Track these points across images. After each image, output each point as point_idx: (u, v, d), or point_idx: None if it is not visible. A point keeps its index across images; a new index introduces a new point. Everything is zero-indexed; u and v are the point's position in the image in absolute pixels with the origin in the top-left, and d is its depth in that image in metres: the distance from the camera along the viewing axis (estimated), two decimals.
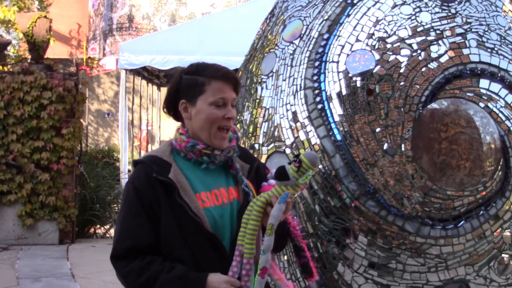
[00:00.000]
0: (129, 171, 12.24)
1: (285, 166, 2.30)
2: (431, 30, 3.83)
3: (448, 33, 3.84)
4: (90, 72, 21.57)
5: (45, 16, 10.05)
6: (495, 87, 3.81)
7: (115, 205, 11.00)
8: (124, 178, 11.37)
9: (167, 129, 21.73)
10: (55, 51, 18.33)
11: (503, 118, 3.80)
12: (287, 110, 3.91)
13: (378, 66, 3.78)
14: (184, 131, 2.46)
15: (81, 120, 10.23)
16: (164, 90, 18.40)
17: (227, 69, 2.45)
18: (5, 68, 12.16)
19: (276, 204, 2.27)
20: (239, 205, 2.44)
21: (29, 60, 10.32)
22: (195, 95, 2.40)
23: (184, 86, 2.43)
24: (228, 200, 2.44)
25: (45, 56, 10.14)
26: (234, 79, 2.42)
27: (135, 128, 15.95)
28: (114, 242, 2.38)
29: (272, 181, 2.38)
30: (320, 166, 3.74)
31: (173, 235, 2.32)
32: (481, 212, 3.72)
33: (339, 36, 3.90)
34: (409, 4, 3.88)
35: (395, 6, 3.88)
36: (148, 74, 14.73)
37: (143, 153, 15.37)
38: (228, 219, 2.41)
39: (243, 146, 3.48)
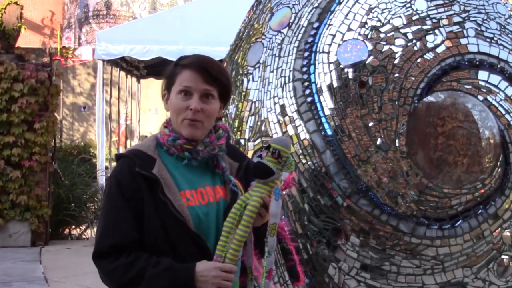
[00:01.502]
0: (106, 168, 12.21)
1: (260, 162, 2.30)
2: (427, 18, 3.85)
3: (445, 21, 3.86)
4: (65, 62, 21.47)
5: (16, 3, 9.98)
6: (495, 79, 3.83)
7: (92, 204, 10.97)
8: (101, 176, 11.34)
9: (147, 123, 21.72)
10: (27, 40, 18.24)
11: (503, 112, 3.82)
12: (274, 104, 3.91)
13: (371, 57, 3.79)
14: (169, 124, 2.47)
15: (55, 114, 10.19)
16: (144, 82, 18.39)
17: (204, 59, 2.46)
18: None
19: (272, 201, 2.28)
20: (226, 205, 2.45)
21: None
22: (170, 85, 2.46)
23: (165, 76, 2.48)
24: (215, 199, 2.45)
25: (16, 46, 10.07)
26: (205, 69, 2.40)
27: (113, 122, 15.91)
28: (97, 239, 2.40)
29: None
30: (310, 163, 3.75)
31: (156, 233, 2.34)
32: (480, 211, 3.74)
33: (330, 25, 3.91)
34: None
35: None
36: (127, 65, 14.68)
37: (121, 149, 15.33)
38: (214, 219, 2.43)
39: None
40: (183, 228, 2.33)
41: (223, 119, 4.18)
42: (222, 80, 2.45)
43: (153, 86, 21.06)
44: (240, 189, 2.49)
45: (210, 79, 2.40)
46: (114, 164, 13.42)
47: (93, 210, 10.87)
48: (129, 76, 16.06)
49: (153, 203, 2.33)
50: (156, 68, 14.70)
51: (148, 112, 22.45)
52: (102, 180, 11.26)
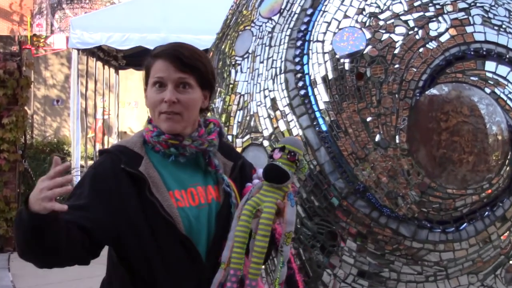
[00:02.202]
0: (82, 167, 12.20)
1: (274, 165, 2.30)
2: (430, 4, 3.86)
3: (449, 8, 3.87)
4: (36, 52, 21.36)
5: None
6: (503, 70, 3.85)
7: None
8: (76, 175, 11.30)
9: (126, 118, 21.69)
10: None
11: None
12: (265, 97, 3.92)
13: (369, 46, 3.80)
14: (153, 120, 2.47)
15: (26, 108, 10.14)
16: (123, 73, 18.36)
17: (175, 46, 2.45)
18: None
19: (287, 208, 2.28)
20: (219, 207, 2.45)
21: None
22: (147, 78, 2.47)
23: (144, 70, 2.49)
24: (206, 201, 2.45)
25: None
26: (176, 57, 2.39)
27: (89, 117, 15.87)
28: None
29: (257, 181, 2.39)
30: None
31: (142, 236, 2.33)
32: (486, 213, 3.76)
33: (324, 11, 3.92)
34: None
35: None
36: (104, 54, 14.67)
37: (98, 146, 15.30)
38: (205, 221, 2.43)
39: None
40: (172, 230, 2.33)
41: (209, 113, 4.19)
42: (198, 66, 2.42)
43: (133, 77, 21.02)
44: (234, 190, 2.48)
45: (183, 66, 2.39)
46: (90, 162, 13.41)
47: None
48: (106, 67, 16.04)
49: (139, 203, 2.33)
50: (136, 58, 14.65)
51: (128, 106, 22.40)
52: (76, 179, 11.21)
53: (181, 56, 2.39)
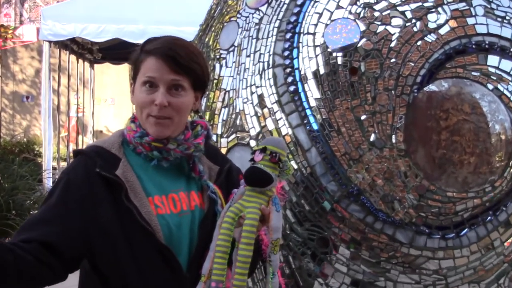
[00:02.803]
0: (54, 168, 12.15)
1: (256, 167, 2.29)
2: None
3: None
4: (4, 44, 21.28)
5: None
6: (507, 64, 3.86)
7: (36, 211, 10.89)
8: (48, 178, 11.29)
9: (102, 116, 21.63)
10: None
11: None
12: (251, 93, 3.93)
13: (364, 39, 3.82)
14: (137, 119, 2.45)
15: None
16: (98, 67, 18.32)
17: (171, 43, 2.39)
18: None
19: (273, 213, 2.25)
20: (202, 214, 2.44)
21: None
22: (135, 74, 2.42)
23: (131, 63, 2.46)
24: (189, 208, 2.43)
25: None
26: (171, 57, 2.35)
27: (62, 115, 15.83)
28: (15, 235, 2.31)
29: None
30: (293, 163, 3.77)
31: (117, 246, 2.31)
32: (489, 217, 3.79)
33: (316, 1, 3.93)
34: None
35: None
36: (78, 47, 14.62)
37: (72, 147, 15.26)
38: (187, 230, 2.41)
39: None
40: (150, 240, 2.30)
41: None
42: (194, 68, 2.39)
43: (109, 72, 20.98)
44: (220, 196, 2.47)
45: (178, 68, 2.35)
46: (63, 164, 13.35)
47: None
48: (80, 61, 15.98)
49: (115, 210, 2.30)
50: (112, 51, 14.65)
51: (104, 103, 22.34)
52: (49, 183, 11.21)
53: (176, 56, 2.35)
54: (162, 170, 2.42)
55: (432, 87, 3.84)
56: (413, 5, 3.86)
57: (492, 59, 3.86)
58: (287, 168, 2.30)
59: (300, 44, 3.87)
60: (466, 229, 3.75)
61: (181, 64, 2.35)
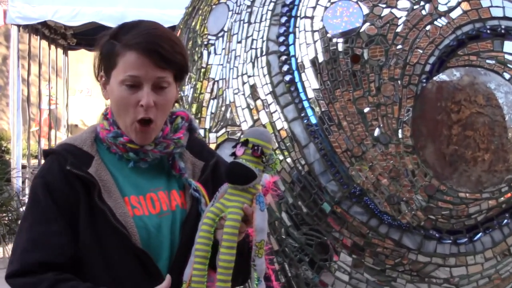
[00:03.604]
0: (24, 167, 12.12)
1: (237, 163, 2.28)
2: None
3: None
4: None
5: None
6: None
7: (4, 214, 10.88)
8: (17, 177, 11.26)
9: (77, 109, 21.58)
10: None
11: None
12: (243, 83, 3.93)
13: (367, 24, 3.82)
14: (110, 115, 2.44)
15: None
16: (73, 54, 18.25)
17: (152, 36, 2.34)
18: None
19: (256, 213, 2.23)
20: (184, 215, 2.43)
21: None
22: (110, 68, 2.37)
23: (103, 54, 2.42)
24: (169, 208, 2.42)
25: None
26: (155, 52, 2.31)
27: (33, 107, 15.78)
28: (18, 254, 2.31)
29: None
30: (289, 160, 3.77)
31: (90, 251, 2.31)
32: (505, 221, 3.79)
33: None
34: None
35: None
36: (51, 32, 14.57)
37: (43, 142, 15.23)
38: (168, 232, 2.40)
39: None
40: (126, 244, 2.29)
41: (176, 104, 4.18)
42: (178, 60, 2.36)
43: (85, 60, 20.90)
44: (204, 195, 2.46)
45: (163, 62, 2.32)
46: (33, 162, 13.29)
47: (6, 221, 10.79)
48: (53, 47, 15.93)
49: (88, 211, 2.30)
50: (88, 36, 14.58)
51: (79, 94, 22.28)
52: (18, 182, 11.18)
53: (160, 51, 2.31)
54: (139, 169, 2.41)
55: (442, 76, 3.85)
56: None
57: (509, 45, 3.87)
58: (272, 162, 2.27)
59: (297, 29, 3.87)
60: (480, 234, 3.76)
61: (166, 58, 2.32)
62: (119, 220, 2.30)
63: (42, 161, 2.60)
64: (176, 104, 2.58)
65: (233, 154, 2.27)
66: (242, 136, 2.32)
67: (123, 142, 2.37)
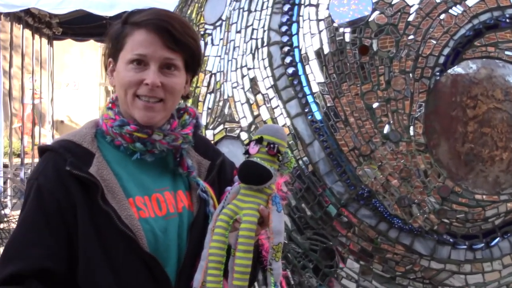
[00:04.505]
0: (5, 166, 12.13)
1: (251, 161, 2.28)
2: None
3: None
4: None
5: None
6: None
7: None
8: None
9: (64, 103, 21.57)
10: None
11: None
12: (242, 76, 3.94)
13: (376, 12, 3.83)
14: (114, 105, 2.45)
15: None
16: (59, 44, 18.25)
17: (164, 15, 2.41)
18: None
19: (273, 214, 2.26)
20: (192, 217, 2.46)
21: None
22: (117, 51, 2.42)
23: (111, 38, 2.44)
24: (176, 210, 2.45)
25: None
26: (166, 30, 2.36)
27: (15, 101, 15.79)
28: None
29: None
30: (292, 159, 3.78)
31: (93, 256, 2.31)
32: None
33: None
34: None
35: None
36: (34, 20, 14.58)
37: (26, 139, 15.23)
38: (175, 236, 2.43)
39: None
40: (132, 249, 2.31)
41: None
42: (189, 43, 2.41)
43: (72, 50, 20.93)
44: (212, 196, 2.49)
45: (173, 43, 2.36)
46: (16, 161, 13.33)
47: None
48: (37, 37, 15.93)
49: (90, 214, 2.30)
50: (75, 25, 14.62)
51: (65, 87, 22.26)
52: None
53: (172, 30, 2.36)
54: (144, 167, 2.43)
55: (457, 69, 3.85)
56: None
57: None
58: (288, 161, 2.31)
59: (301, 18, 3.88)
60: (497, 238, 3.77)
61: (176, 39, 2.37)
62: (125, 222, 2.31)
63: (36, 160, 2.59)
64: (189, 100, 2.59)
65: (247, 152, 2.29)
66: (255, 133, 2.35)
67: (130, 131, 2.39)
